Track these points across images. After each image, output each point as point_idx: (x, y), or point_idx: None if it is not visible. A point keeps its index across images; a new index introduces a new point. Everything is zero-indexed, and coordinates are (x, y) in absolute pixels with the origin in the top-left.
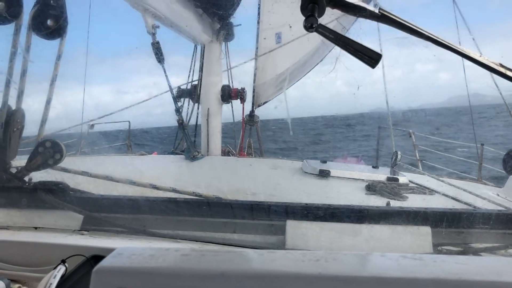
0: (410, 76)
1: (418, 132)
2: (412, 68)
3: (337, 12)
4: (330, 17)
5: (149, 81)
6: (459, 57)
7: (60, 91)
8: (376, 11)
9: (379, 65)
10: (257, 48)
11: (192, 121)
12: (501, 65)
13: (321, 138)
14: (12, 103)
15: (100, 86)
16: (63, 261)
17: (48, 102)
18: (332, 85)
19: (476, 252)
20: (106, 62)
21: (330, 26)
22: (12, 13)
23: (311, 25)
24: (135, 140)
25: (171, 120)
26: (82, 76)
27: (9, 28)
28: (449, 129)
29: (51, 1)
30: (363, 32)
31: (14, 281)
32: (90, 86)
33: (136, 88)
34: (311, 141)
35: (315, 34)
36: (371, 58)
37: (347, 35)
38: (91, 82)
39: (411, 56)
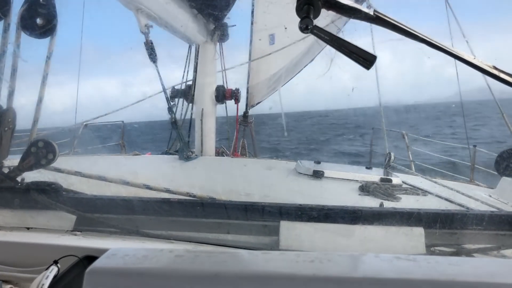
0: (417, 71)
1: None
2: (420, 62)
3: (332, 14)
4: (325, 19)
5: (153, 74)
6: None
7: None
8: (371, 13)
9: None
10: (250, 49)
11: (186, 121)
12: (495, 68)
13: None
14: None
15: (107, 79)
16: (56, 262)
17: (39, 101)
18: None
19: (469, 253)
20: (111, 57)
21: (325, 27)
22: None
23: (306, 26)
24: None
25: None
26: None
27: None
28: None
29: (40, 0)
30: (358, 34)
31: (6, 281)
32: (97, 79)
33: (141, 80)
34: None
35: (308, 34)
36: (366, 59)
37: (341, 35)
38: (98, 75)
39: (419, 51)
